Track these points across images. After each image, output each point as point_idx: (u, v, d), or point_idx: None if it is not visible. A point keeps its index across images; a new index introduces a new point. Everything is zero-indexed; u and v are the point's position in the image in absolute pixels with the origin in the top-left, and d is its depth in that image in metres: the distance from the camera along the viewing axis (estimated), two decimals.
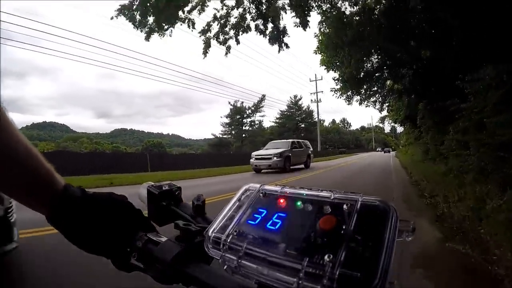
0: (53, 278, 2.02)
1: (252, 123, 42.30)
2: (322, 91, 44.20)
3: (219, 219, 0.35)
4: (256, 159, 11.87)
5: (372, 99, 15.96)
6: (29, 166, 0.35)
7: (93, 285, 1.91)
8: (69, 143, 51.83)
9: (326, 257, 0.26)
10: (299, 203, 0.33)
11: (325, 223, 0.29)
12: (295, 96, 49.17)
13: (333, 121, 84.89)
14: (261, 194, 0.36)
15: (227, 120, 41.78)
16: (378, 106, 16.61)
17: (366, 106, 15.75)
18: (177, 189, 0.50)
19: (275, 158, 11.35)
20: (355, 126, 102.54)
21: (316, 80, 43.37)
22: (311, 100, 46.10)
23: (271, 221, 0.32)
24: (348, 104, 15.20)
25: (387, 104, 17.64)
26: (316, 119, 47.27)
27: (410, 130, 22.22)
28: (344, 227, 0.28)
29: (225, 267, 0.31)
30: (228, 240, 0.32)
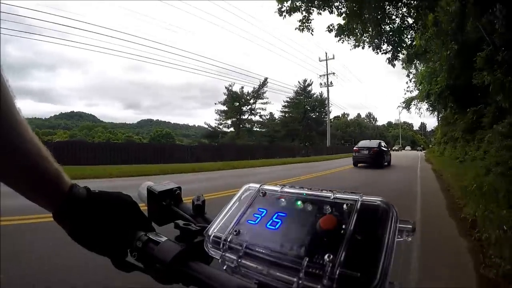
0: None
1: (253, 111, 34.42)
2: (334, 73, 34.63)
3: (219, 219, 0.35)
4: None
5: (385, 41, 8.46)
6: (38, 165, 0.36)
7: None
8: (84, 132, 51.84)
9: (326, 257, 0.26)
10: (299, 202, 0.33)
11: (325, 223, 0.28)
12: (304, 81, 39.56)
13: (358, 115, 78.79)
14: (261, 194, 0.36)
15: (223, 108, 33.98)
16: (390, 55, 8.66)
17: (380, 53, 8.47)
18: (177, 188, 0.50)
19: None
20: (382, 121, 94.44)
21: (326, 60, 34.03)
22: (321, 84, 35.25)
23: (271, 221, 0.32)
24: (357, 46, 8.60)
25: (405, 55, 9.16)
26: (330, 107, 37.98)
27: (452, 115, 13.11)
28: (344, 227, 0.28)
29: (225, 267, 0.31)
30: (228, 240, 0.32)
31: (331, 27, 8.60)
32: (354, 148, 13.26)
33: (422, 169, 12.03)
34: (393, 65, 8.84)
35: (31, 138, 0.35)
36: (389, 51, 8.66)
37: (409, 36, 8.59)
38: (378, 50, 8.60)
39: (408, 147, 62.94)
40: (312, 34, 8.50)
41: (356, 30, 8.43)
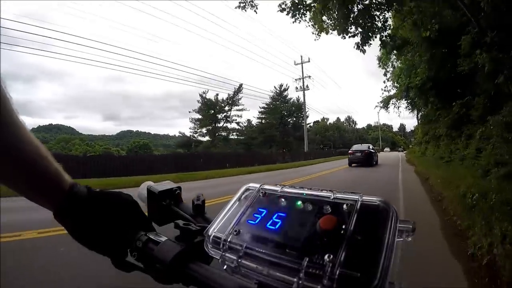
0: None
1: (228, 119, 33.31)
2: (309, 76, 33.90)
3: (219, 219, 0.35)
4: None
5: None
6: (38, 165, 0.36)
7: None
8: (61, 145, 51.81)
9: (326, 257, 0.26)
10: (299, 202, 0.33)
11: (325, 223, 0.28)
12: (280, 86, 38.47)
13: (338, 119, 78.49)
14: (261, 194, 0.36)
15: (198, 116, 32.65)
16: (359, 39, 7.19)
17: (347, 36, 7.13)
18: (177, 188, 0.50)
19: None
20: (361, 124, 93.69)
21: (302, 63, 33.55)
22: (296, 88, 34.45)
23: (271, 221, 0.32)
24: (321, 31, 7.40)
25: (379, 38, 7.50)
26: (308, 112, 36.81)
27: (433, 111, 11.84)
28: (344, 227, 0.28)
29: (225, 267, 0.31)
30: (228, 240, 0.32)
31: (283, 6, 6.98)
32: (349, 151, 16.39)
33: (404, 172, 10.93)
34: (363, 51, 7.33)
35: (29, 138, 0.35)
36: (357, 33, 7.14)
37: (381, 17, 7.18)
38: (345, 34, 7.16)
39: (387, 149, 62.04)
40: (256, 12, 7.15)
41: (315, 9, 6.89)
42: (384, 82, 19.86)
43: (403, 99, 17.98)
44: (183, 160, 16.41)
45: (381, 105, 20.83)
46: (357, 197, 0.30)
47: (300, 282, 0.26)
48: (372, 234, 0.27)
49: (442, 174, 6.61)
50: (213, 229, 0.34)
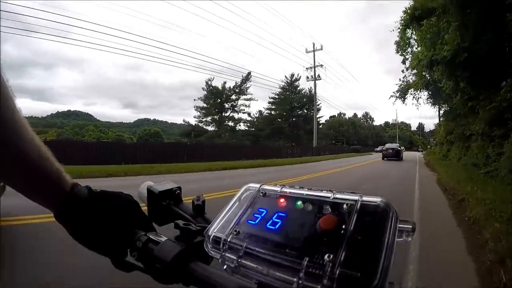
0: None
1: (235, 108, 31.95)
2: (322, 65, 30.86)
3: (219, 219, 0.35)
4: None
5: None
6: (39, 165, 0.36)
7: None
8: (74, 131, 52.96)
9: (326, 257, 0.26)
10: (299, 202, 0.33)
11: (325, 223, 0.28)
12: (292, 75, 36.19)
13: (355, 115, 76.19)
14: (261, 194, 0.36)
15: (204, 104, 31.52)
16: None
17: None
18: (177, 188, 0.50)
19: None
20: (379, 122, 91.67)
21: (314, 51, 30.66)
22: (307, 77, 31.42)
23: (271, 221, 0.32)
24: None
25: None
26: (320, 105, 35.66)
27: (463, 102, 9.16)
28: (344, 227, 0.28)
29: (225, 267, 0.31)
30: (228, 240, 0.32)
31: None
32: (383, 148, 23.22)
33: (423, 180, 8.18)
34: None
35: (31, 138, 0.35)
36: None
37: None
38: None
39: (402, 147, 61.32)
40: None
41: None
42: (403, 71, 16.71)
43: (423, 89, 15.10)
44: (187, 148, 16.02)
45: (397, 95, 17.65)
46: (357, 197, 0.30)
47: (300, 282, 0.26)
48: (372, 234, 0.27)
49: (491, 201, 3.93)
50: (213, 229, 0.34)
